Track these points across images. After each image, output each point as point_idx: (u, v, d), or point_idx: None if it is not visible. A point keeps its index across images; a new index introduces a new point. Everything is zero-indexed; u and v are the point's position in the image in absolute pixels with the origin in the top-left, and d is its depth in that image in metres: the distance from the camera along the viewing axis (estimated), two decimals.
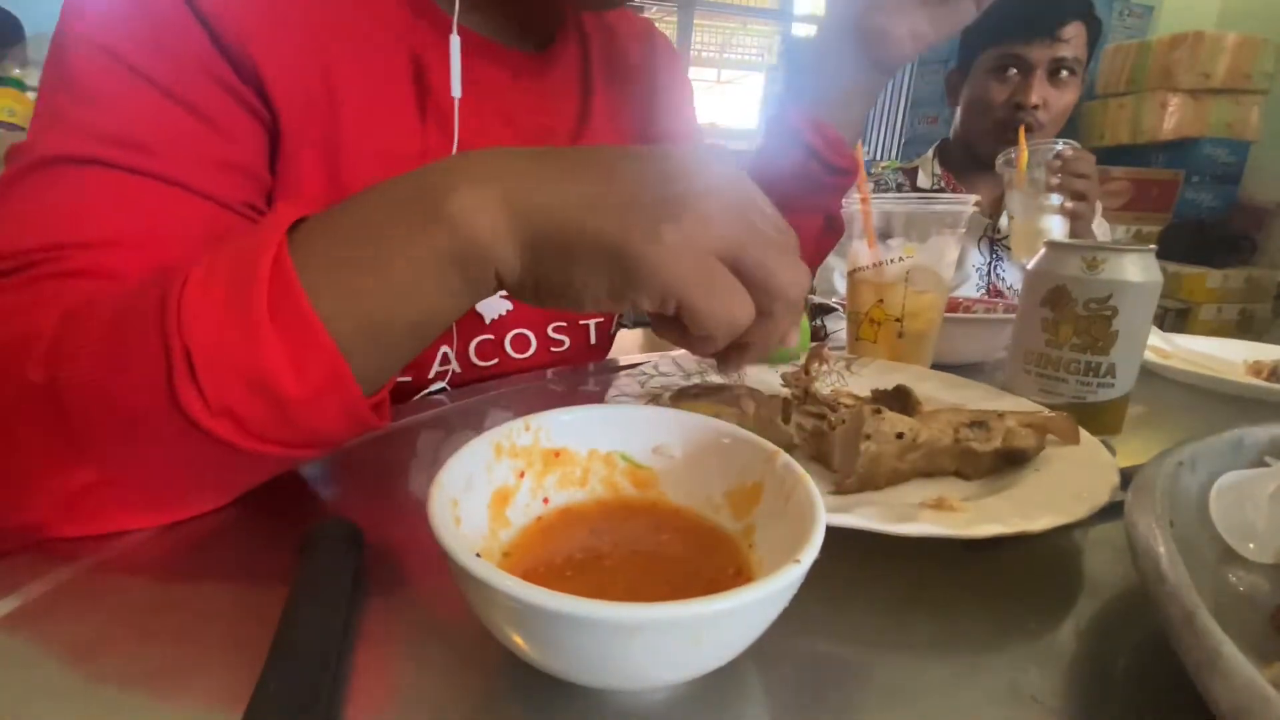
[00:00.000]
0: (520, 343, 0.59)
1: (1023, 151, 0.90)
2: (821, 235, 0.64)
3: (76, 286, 0.32)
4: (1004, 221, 1.11)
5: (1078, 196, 0.90)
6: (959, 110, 1.15)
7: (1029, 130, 0.99)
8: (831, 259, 1.17)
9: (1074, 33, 1.02)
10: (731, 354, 0.31)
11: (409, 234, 0.27)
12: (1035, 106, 1.02)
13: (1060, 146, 0.91)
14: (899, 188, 1.18)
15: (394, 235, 0.28)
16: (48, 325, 0.28)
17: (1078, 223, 0.92)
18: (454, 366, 0.55)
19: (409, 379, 0.53)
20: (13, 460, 0.28)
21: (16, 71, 1.71)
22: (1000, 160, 0.95)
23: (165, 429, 0.26)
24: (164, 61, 0.37)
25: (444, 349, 0.54)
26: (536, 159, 0.29)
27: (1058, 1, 1.01)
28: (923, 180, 1.18)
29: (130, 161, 0.35)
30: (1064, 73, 1.03)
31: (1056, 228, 0.90)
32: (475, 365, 0.56)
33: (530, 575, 0.18)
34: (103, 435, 0.27)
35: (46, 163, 0.34)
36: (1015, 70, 1.04)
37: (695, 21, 3.75)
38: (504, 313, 0.56)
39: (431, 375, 0.54)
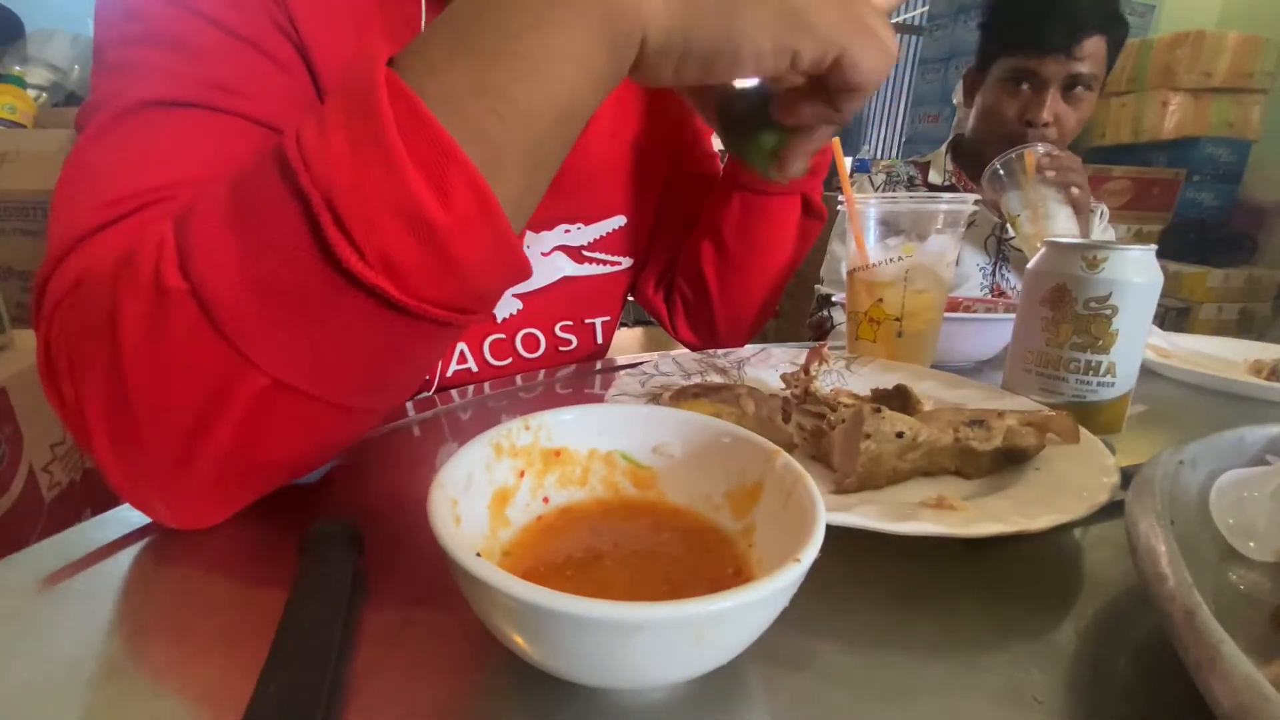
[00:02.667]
0: (530, 342, 0.59)
1: (1030, 169, 0.89)
2: (802, 219, 0.64)
3: None
4: None
5: (1075, 187, 0.89)
6: (973, 112, 1.12)
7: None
8: (840, 250, 1.17)
9: (1092, 48, 0.96)
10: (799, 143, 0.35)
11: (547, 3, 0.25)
12: (1046, 124, 0.99)
13: (1040, 148, 0.90)
14: (910, 181, 1.17)
15: (525, 10, 0.25)
16: (167, 233, 0.26)
17: (1080, 214, 0.90)
18: (471, 365, 0.55)
19: (426, 377, 0.53)
20: (183, 380, 0.26)
21: (17, 69, 1.70)
22: (989, 172, 0.93)
23: (323, 298, 0.24)
24: (238, 12, 0.38)
25: (462, 346, 0.55)
26: None
27: (1076, 15, 0.95)
28: (934, 177, 1.17)
29: (226, 104, 0.35)
30: (1079, 88, 0.99)
31: (1066, 217, 0.89)
32: (490, 365, 0.57)
33: (530, 575, 0.18)
34: (258, 326, 0.25)
35: (142, 107, 0.34)
36: (1027, 85, 1.00)
37: None
38: (514, 312, 0.57)
39: (451, 374, 0.55)
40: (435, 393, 0.53)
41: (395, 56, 0.25)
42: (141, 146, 0.34)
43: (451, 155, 0.23)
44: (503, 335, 0.57)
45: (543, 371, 0.59)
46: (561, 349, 0.62)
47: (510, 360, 0.58)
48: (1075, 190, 0.88)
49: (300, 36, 0.41)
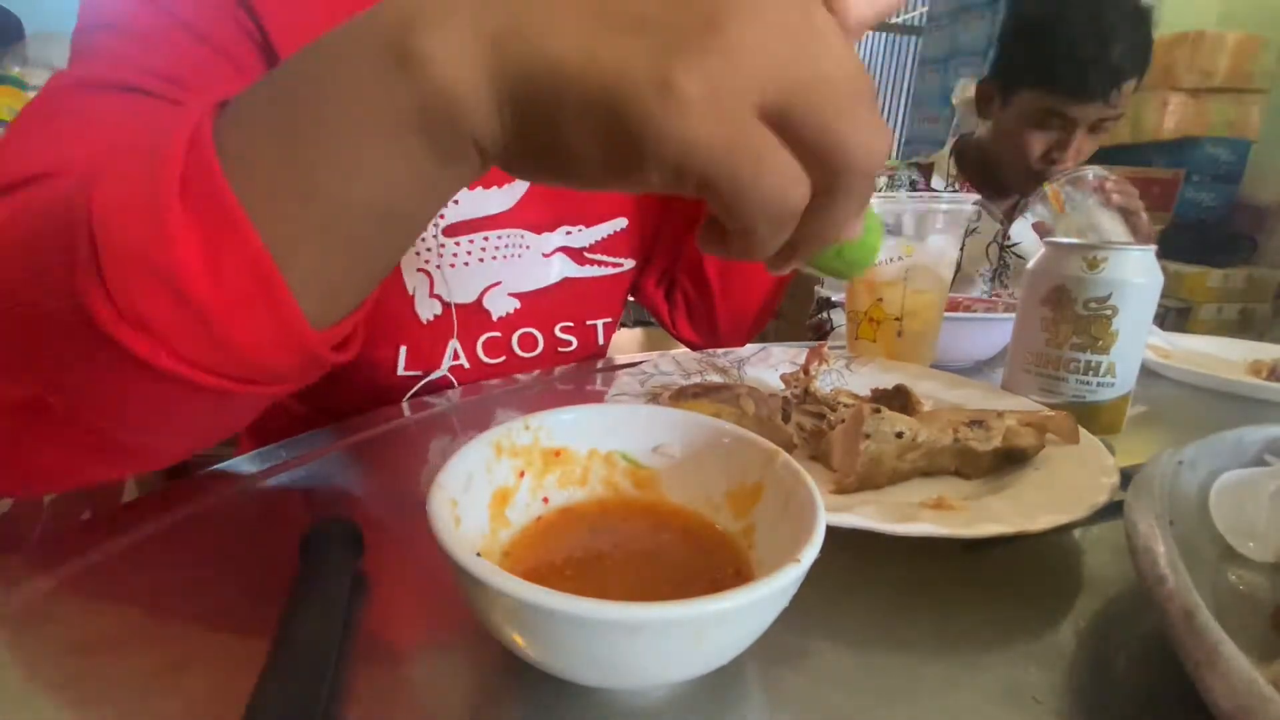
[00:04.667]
0: (527, 342, 0.59)
1: (1059, 205, 0.88)
2: None
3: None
4: (1014, 229, 1.11)
5: (1132, 210, 0.88)
6: (990, 128, 1.10)
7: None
8: None
9: (1128, 90, 0.94)
10: (780, 251, 0.23)
11: (357, 89, 0.21)
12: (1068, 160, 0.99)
13: (1090, 174, 0.88)
14: (913, 185, 1.17)
15: (339, 93, 0.21)
16: None
17: (1137, 237, 0.88)
18: (463, 361, 0.55)
19: (419, 372, 0.53)
20: None
21: (16, 70, 1.70)
22: (1033, 207, 0.92)
23: (81, 345, 0.22)
24: (199, 10, 0.39)
25: (454, 344, 0.55)
26: None
27: (1119, 64, 0.91)
28: (937, 181, 1.16)
29: (164, 92, 0.36)
30: (1106, 122, 0.98)
31: (1119, 230, 0.87)
32: (484, 363, 0.57)
33: (530, 575, 0.18)
34: (22, 357, 0.23)
35: (77, 85, 0.35)
36: (1058, 124, 0.98)
37: None
38: (511, 311, 0.57)
39: (444, 369, 0.55)
40: (430, 392, 0.54)
41: (229, 101, 0.23)
42: (56, 122, 0.33)
43: (234, 224, 0.21)
44: (498, 334, 0.57)
45: (538, 372, 0.59)
46: (561, 349, 0.62)
47: (504, 359, 0.58)
48: (1143, 217, 0.87)
49: (268, 40, 0.41)
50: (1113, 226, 0.85)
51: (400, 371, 0.53)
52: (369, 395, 0.53)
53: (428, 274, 0.52)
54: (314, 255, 0.22)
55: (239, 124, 0.22)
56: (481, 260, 0.55)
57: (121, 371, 0.22)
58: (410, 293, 0.51)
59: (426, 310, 0.53)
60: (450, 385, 0.55)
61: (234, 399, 0.25)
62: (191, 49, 0.38)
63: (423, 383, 0.54)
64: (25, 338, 0.23)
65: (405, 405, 0.49)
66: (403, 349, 0.52)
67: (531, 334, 0.59)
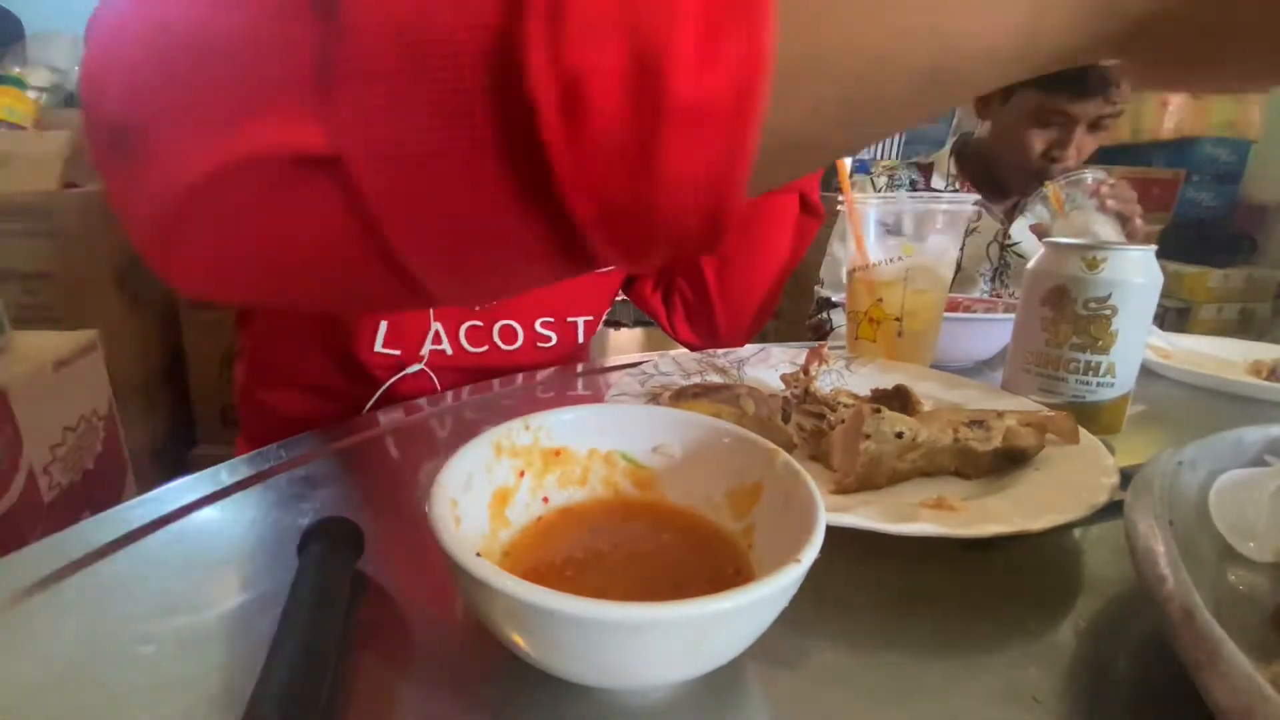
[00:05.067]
0: (508, 334, 0.59)
1: (1058, 205, 0.88)
2: (800, 217, 0.64)
3: None
4: (1014, 228, 1.11)
5: (1127, 216, 0.88)
6: (990, 128, 1.10)
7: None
8: (839, 252, 1.16)
9: (1126, 87, 0.95)
10: None
11: None
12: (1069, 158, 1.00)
13: (1089, 176, 0.88)
14: (912, 185, 1.17)
15: None
16: None
17: (1133, 240, 0.89)
18: (446, 347, 0.55)
19: (398, 352, 0.54)
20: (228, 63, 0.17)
21: (17, 70, 1.70)
22: (1032, 208, 0.92)
23: (446, 97, 0.15)
24: None
25: (436, 326, 0.55)
26: None
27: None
28: (937, 181, 1.16)
29: None
30: (1106, 120, 0.98)
31: (1114, 235, 0.87)
32: (466, 350, 0.57)
33: (530, 575, 0.18)
34: (354, 105, 0.16)
35: None
36: (1057, 122, 0.99)
37: None
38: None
39: (424, 354, 0.55)
40: (415, 373, 0.54)
41: None
42: None
43: (754, 10, 0.14)
44: (480, 323, 0.57)
45: (538, 372, 0.59)
46: (540, 344, 0.62)
47: (486, 348, 0.58)
48: (1138, 221, 0.88)
49: None
50: (1108, 231, 0.85)
51: (378, 348, 0.53)
52: (345, 370, 0.53)
53: None
54: (808, 87, 0.16)
55: None
56: None
57: (465, 177, 0.16)
58: None
59: None
60: (432, 385, 0.56)
61: (561, 264, 0.19)
62: None
63: (405, 372, 0.54)
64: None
65: (405, 406, 0.49)
66: (383, 324, 0.53)
67: (511, 326, 0.59)
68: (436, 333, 0.55)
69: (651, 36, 0.14)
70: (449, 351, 0.56)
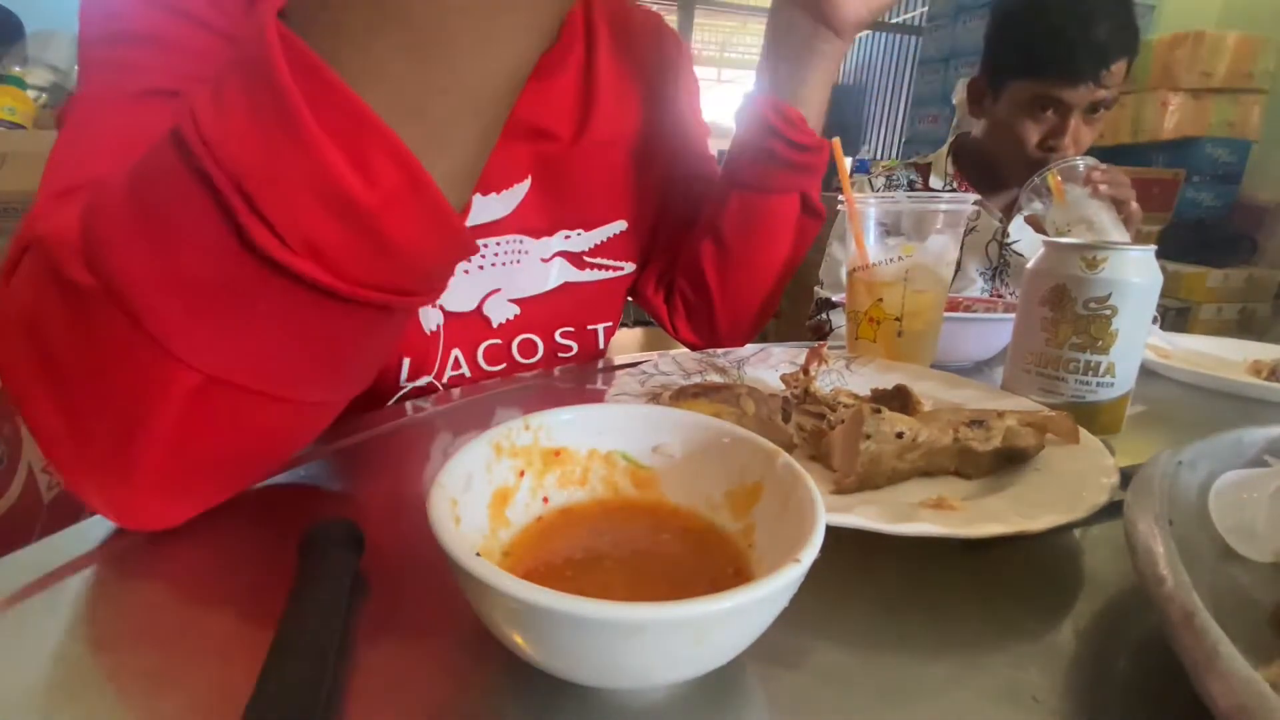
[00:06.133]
0: (527, 348, 0.59)
1: (1058, 193, 0.88)
2: (800, 217, 0.64)
3: None
4: (1013, 227, 1.10)
5: (1122, 200, 0.88)
6: (985, 125, 1.10)
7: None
8: (839, 252, 1.16)
9: (1117, 71, 0.95)
10: None
11: None
12: (1066, 146, 0.99)
13: (1081, 164, 0.88)
14: (910, 185, 1.17)
15: None
16: (72, 223, 0.25)
17: (1130, 229, 0.89)
18: (465, 370, 0.55)
19: (423, 381, 0.54)
20: (114, 375, 0.25)
21: (17, 69, 1.70)
22: (1026, 200, 0.92)
23: (248, 288, 0.22)
24: (216, 9, 0.38)
25: (455, 352, 0.55)
26: None
27: (1104, 43, 0.93)
28: (935, 180, 1.16)
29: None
30: (1100, 109, 0.99)
31: (1120, 233, 0.87)
32: (484, 370, 0.57)
33: (530, 575, 0.18)
34: (182, 323, 0.23)
35: (114, 99, 0.35)
36: (1051, 110, 0.99)
37: (695, 21, 3.75)
38: (511, 318, 0.57)
39: (445, 380, 0.55)
40: (422, 395, 0.54)
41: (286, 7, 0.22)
42: (99, 135, 0.34)
43: (367, 124, 0.21)
44: (498, 341, 0.57)
45: (538, 371, 0.59)
46: (561, 355, 0.62)
47: (505, 365, 0.58)
48: (1133, 205, 0.88)
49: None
50: (1104, 216, 0.85)
51: (403, 382, 0.53)
52: (369, 406, 0.53)
53: None
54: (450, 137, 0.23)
55: (317, 27, 0.21)
56: (481, 267, 0.55)
57: (294, 314, 0.23)
58: None
59: (429, 320, 0.53)
60: (436, 390, 0.55)
61: (395, 320, 0.27)
62: (220, 49, 0.37)
63: (414, 384, 0.54)
64: (173, 305, 0.23)
65: (406, 406, 0.49)
66: (406, 360, 0.52)
67: (531, 340, 0.59)
68: (456, 359, 0.55)
69: (326, 188, 0.21)
70: (468, 374, 0.56)
